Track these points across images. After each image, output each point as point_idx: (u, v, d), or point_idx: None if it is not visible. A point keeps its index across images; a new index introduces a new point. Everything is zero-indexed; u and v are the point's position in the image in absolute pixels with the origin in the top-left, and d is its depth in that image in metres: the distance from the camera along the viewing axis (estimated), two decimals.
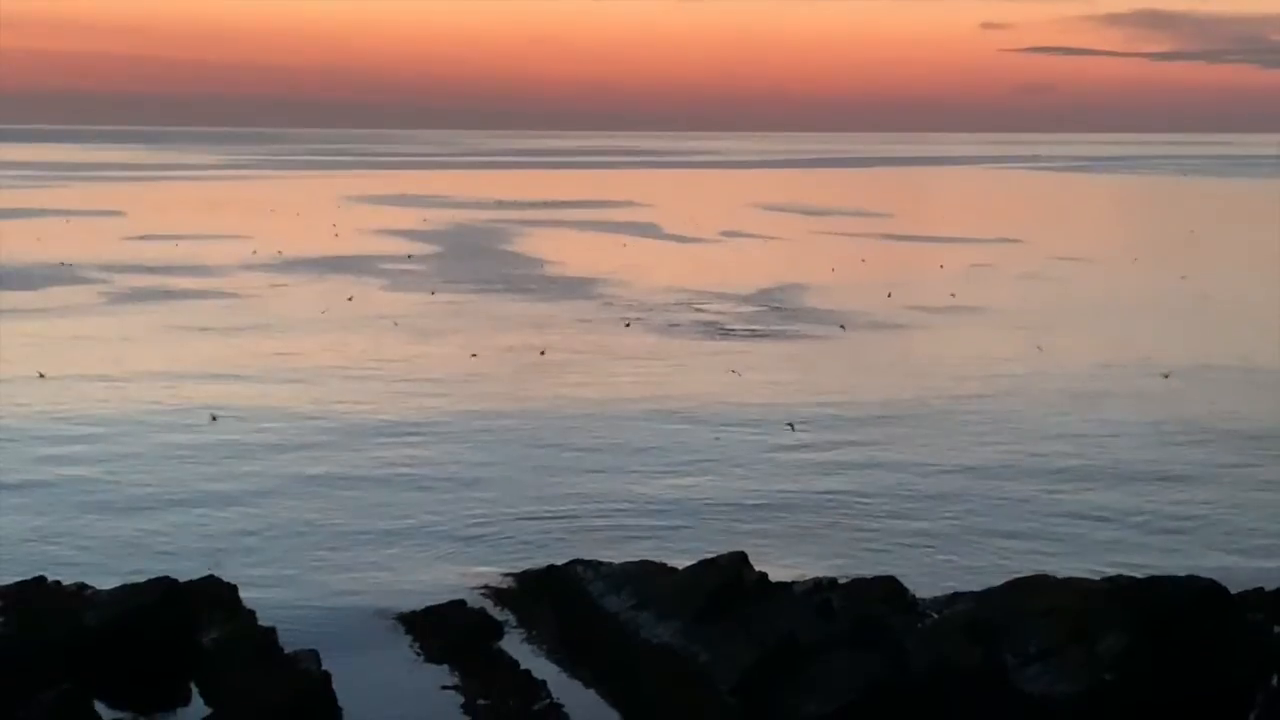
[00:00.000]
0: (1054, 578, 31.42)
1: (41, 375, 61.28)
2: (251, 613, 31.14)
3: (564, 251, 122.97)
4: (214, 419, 53.06)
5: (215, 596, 31.59)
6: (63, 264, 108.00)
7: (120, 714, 26.02)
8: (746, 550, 32.72)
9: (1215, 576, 30.06)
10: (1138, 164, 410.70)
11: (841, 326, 78.65)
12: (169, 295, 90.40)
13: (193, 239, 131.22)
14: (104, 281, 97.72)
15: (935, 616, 31.08)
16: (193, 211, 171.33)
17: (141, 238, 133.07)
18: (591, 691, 29.45)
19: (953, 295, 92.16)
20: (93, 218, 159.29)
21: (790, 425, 50.87)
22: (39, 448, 49.24)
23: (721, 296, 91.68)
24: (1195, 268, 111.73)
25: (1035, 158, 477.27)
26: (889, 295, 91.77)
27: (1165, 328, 79.82)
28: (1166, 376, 62.84)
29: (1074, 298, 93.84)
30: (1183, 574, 31.02)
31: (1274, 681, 27.73)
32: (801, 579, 34.03)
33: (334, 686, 27.64)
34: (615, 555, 35.80)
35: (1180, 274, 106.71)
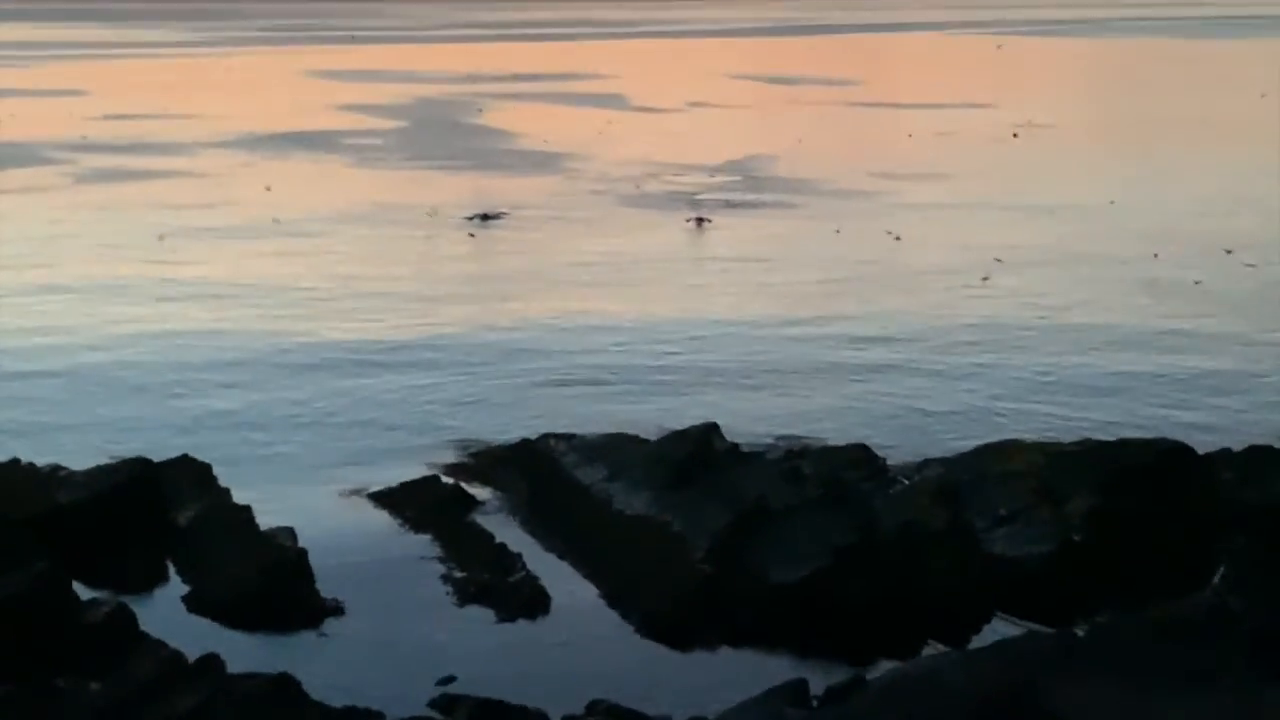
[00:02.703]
0: (1023, 442, 31.70)
1: None
2: (226, 490, 31.23)
3: (531, 124, 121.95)
4: (172, 299, 52.80)
5: (190, 475, 31.69)
6: (21, 144, 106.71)
7: (97, 592, 26.14)
8: (717, 421, 32.89)
9: (1186, 440, 30.35)
10: (1111, 27, 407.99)
11: (810, 196, 78.48)
12: (132, 176, 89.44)
13: (156, 118, 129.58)
14: (65, 162, 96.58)
15: (905, 482, 31.35)
16: (155, 89, 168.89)
17: (103, 117, 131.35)
18: (566, 562, 29.69)
19: (921, 163, 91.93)
20: (52, 97, 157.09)
21: None
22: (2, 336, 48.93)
23: (690, 167, 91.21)
24: (1163, 137, 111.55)
25: (1000, 22, 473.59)
26: (857, 164, 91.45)
27: (1134, 193, 79.75)
28: (1156, 256, 61.98)
29: (1042, 164, 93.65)
30: (1152, 437, 31.37)
31: (1241, 540, 28.05)
32: (772, 447, 34.28)
33: (310, 561, 27.81)
34: (586, 428, 35.94)
35: (1145, 143, 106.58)
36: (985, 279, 55.67)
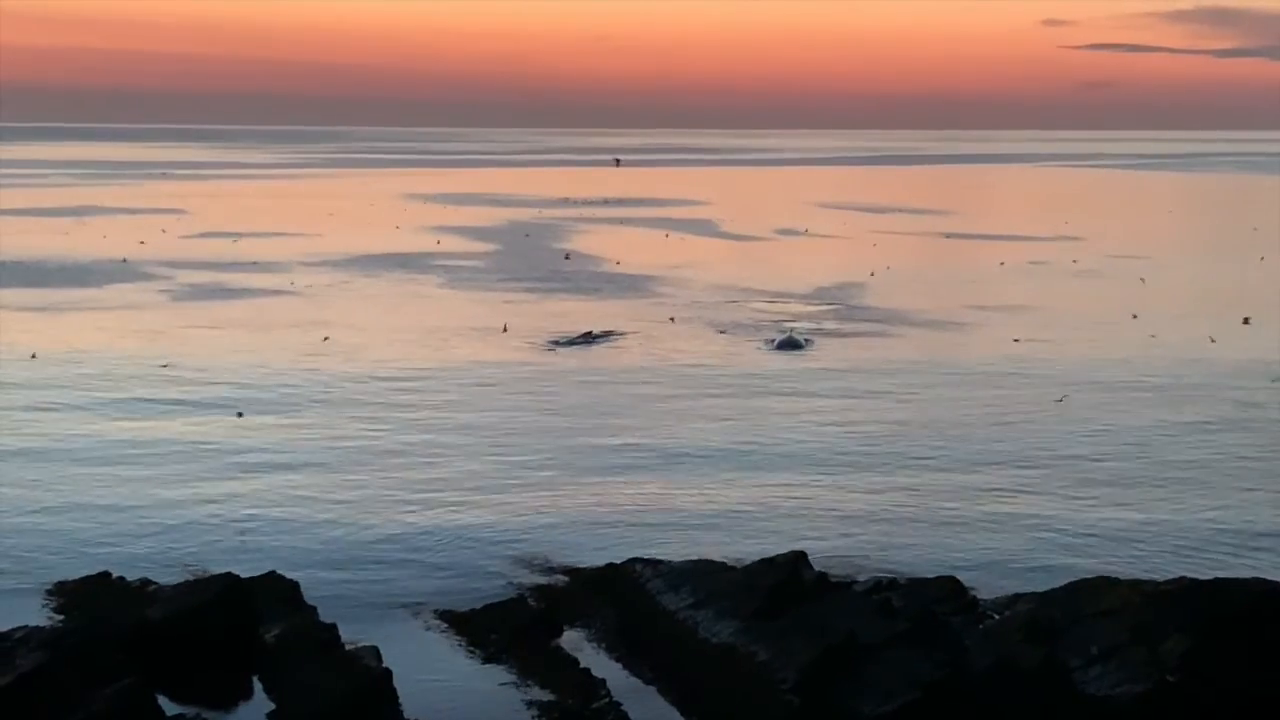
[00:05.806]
0: (1117, 579, 31.16)
1: (89, 366, 62.13)
2: (313, 608, 31.33)
3: (621, 249, 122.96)
4: (243, 416, 53.39)
5: (277, 592, 31.83)
6: (124, 260, 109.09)
7: (183, 708, 26.18)
8: (805, 550, 32.62)
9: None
10: (1199, 161, 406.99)
11: (900, 325, 78.35)
12: (228, 293, 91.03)
13: (253, 236, 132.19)
14: (163, 278, 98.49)
15: (996, 617, 30.92)
16: (254, 209, 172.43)
17: (202, 235, 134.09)
18: (651, 689, 29.42)
19: (1011, 293, 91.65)
20: (155, 215, 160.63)
21: None
22: (97, 448, 49.59)
23: (777, 295, 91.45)
24: (1257, 264, 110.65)
25: (1097, 155, 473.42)
26: (948, 293, 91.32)
27: (1227, 325, 78.86)
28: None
29: (1135, 295, 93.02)
30: (1249, 577, 30.73)
31: None
32: (860, 578, 33.93)
33: (395, 682, 27.74)
34: (672, 554, 35.79)
35: (1242, 271, 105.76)
36: (1060, 400, 57.08)
